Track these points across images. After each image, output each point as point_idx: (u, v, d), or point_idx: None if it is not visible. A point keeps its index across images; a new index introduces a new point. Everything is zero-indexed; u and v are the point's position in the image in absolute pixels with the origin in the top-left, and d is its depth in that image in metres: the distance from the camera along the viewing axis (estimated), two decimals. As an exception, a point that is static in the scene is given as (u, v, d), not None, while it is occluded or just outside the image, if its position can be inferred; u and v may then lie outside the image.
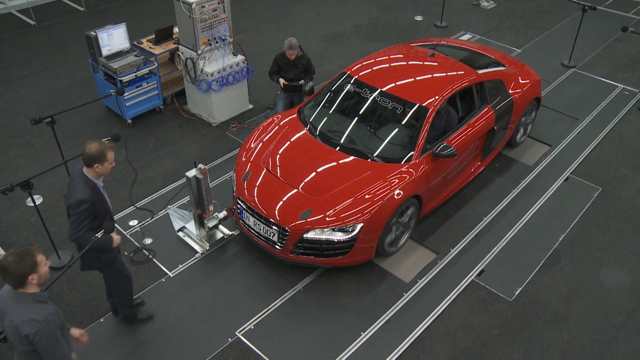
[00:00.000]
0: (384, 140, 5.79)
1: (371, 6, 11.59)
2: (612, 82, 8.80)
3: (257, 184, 5.59)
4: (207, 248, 5.74)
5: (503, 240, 5.92)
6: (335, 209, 5.22)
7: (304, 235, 5.20)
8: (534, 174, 6.86)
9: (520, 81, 6.95)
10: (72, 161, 5.27)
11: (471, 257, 5.72)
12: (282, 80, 7.15)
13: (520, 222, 6.16)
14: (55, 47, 9.76)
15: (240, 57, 7.61)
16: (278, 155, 5.81)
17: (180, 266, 5.57)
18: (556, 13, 11.30)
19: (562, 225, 6.12)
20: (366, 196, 5.26)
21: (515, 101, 6.72)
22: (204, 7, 6.94)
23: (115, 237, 4.30)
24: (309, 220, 5.19)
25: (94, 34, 7.15)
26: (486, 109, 6.39)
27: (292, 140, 5.99)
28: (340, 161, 5.65)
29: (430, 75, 6.30)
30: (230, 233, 5.92)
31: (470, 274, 5.53)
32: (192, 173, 5.37)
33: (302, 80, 7.12)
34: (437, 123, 6.03)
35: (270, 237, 5.38)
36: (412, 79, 6.21)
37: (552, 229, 6.08)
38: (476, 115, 6.30)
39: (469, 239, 5.93)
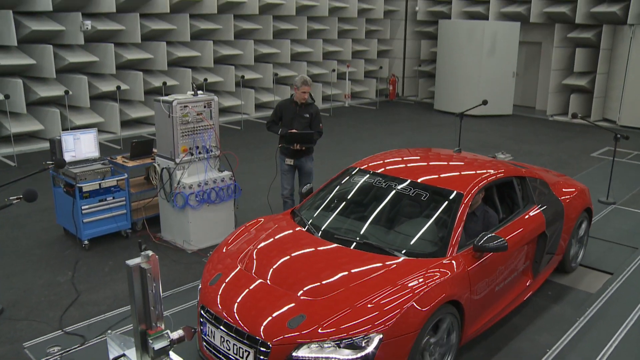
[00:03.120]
0: (410, 234, 4.38)
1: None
2: (663, 218, 7.53)
3: (227, 286, 4.01)
4: (150, 382, 3.90)
5: (583, 379, 4.08)
6: (341, 314, 3.57)
7: (294, 354, 3.46)
8: (602, 302, 5.19)
9: (565, 189, 5.70)
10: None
11: (541, 401, 3.84)
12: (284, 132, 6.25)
13: (600, 355, 4.36)
14: (29, 181, 8.77)
15: (227, 173, 6.50)
16: (262, 253, 4.32)
17: (105, 408, 3.69)
18: (577, 164, 10.52)
19: (663, 361, 4.31)
20: (386, 298, 3.66)
21: (566, 206, 5.38)
22: (186, 107, 6.05)
23: None
24: (302, 332, 3.50)
25: (58, 137, 6.17)
26: (533, 208, 5.04)
27: (283, 237, 4.56)
28: (352, 258, 4.15)
29: (459, 173, 5.08)
30: (188, 364, 4.11)
31: None
32: (134, 261, 3.81)
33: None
34: (472, 227, 4.61)
35: None
36: (438, 172, 5.00)
37: (650, 364, 4.26)
38: (521, 214, 4.93)
39: (532, 377, 4.10)
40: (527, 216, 4.92)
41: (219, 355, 3.81)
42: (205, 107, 6.23)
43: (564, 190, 5.69)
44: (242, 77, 13.21)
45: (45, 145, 11.02)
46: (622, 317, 4.95)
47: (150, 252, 3.90)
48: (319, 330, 3.49)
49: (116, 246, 6.30)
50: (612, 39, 13.81)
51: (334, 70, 15.50)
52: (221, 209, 6.50)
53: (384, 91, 18.10)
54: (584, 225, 5.86)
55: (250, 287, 3.94)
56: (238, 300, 3.85)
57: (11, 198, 4.05)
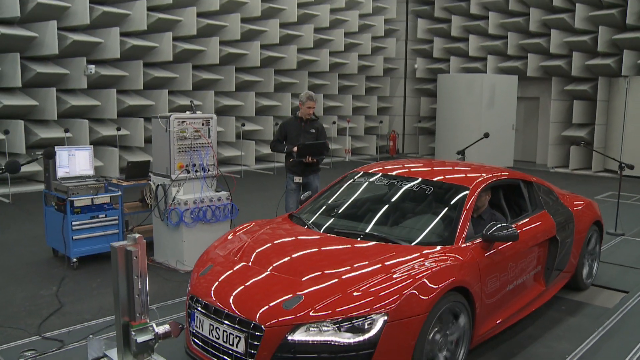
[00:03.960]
0: (416, 227, 4.20)
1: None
2: (676, 248, 7.25)
3: (222, 276, 3.75)
4: (132, 380, 3.54)
5: (608, 381, 3.72)
6: (343, 295, 3.30)
7: (289, 337, 3.16)
8: (621, 315, 4.86)
9: (574, 201, 5.50)
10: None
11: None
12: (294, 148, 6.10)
13: (630, 356, 4.02)
14: (21, 214, 8.58)
15: (224, 193, 6.32)
16: (259, 245, 4.09)
17: (79, 405, 3.34)
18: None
19: (694, 365, 3.95)
20: (392, 277, 3.41)
21: (576, 215, 5.16)
22: (184, 122, 5.96)
23: None
24: (298, 315, 3.21)
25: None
26: (542, 212, 4.83)
27: (282, 233, 4.37)
28: (357, 248, 3.94)
29: (464, 175, 4.91)
30: (174, 365, 3.77)
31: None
32: (120, 243, 3.57)
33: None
34: (479, 230, 4.37)
35: (234, 348, 3.30)
36: (443, 174, 4.83)
37: (680, 368, 3.90)
38: (531, 216, 4.72)
39: (552, 379, 3.75)
40: (536, 218, 4.71)
41: (207, 348, 3.49)
42: (203, 124, 6.15)
43: (573, 202, 5.49)
44: (243, 124, 13.28)
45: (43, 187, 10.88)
46: (645, 328, 4.62)
47: (137, 235, 3.67)
48: (317, 312, 3.20)
49: (107, 267, 5.99)
50: (608, 91, 14.00)
51: (334, 123, 15.60)
52: (216, 229, 6.24)
53: (385, 147, 18.17)
54: (595, 240, 5.60)
55: (244, 274, 3.68)
56: (230, 286, 3.58)
57: (-8, 169, 3.87)
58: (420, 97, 18.08)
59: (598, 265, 5.74)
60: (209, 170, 6.22)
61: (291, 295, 3.34)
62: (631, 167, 7.82)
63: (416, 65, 17.69)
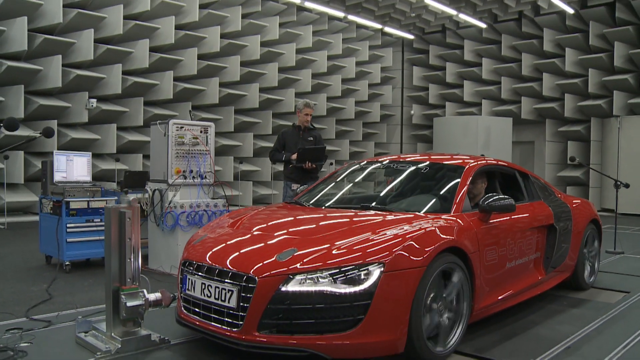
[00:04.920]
0: (415, 202, 4.24)
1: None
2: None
3: (217, 242, 3.70)
4: (119, 346, 3.42)
5: (613, 354, 3.59)
6: (337, 244, 3.27)
7: (282, 288, 3.09)
8: (624, 307, 4.75)
9: (571, 200, 5.49)
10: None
11: (568, 370, 3.35)
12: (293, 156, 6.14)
13: (634, 336, 3.90)
14: (15, 235, 8.53)
15: (220, 199, 6.31)
16: (256, 220, 4.09)
17: (63, 369, 3.21)
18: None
19: (701, 340, 3.83)
20: (389, 233, 3.39)
21: (573, 210, 5.14)
22: (182, 127, 6.03)
23: None
24: (291, 267, 3.14)
25: (51, 159, 6.08)
26: (539, 202, 4.84)
27: (280, 209, 4.48)
28: (356, 217, 3.95)
29: (462, 160, 4.93)
30: (163, 337, 3.64)
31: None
32: (113, 205, 3.55)
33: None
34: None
35: (225, 304, 3.21)
36: (441, 160, 4.85)
37: (687, 343, 3.78)
38: (528, 202, 4.74)
39: (555, 352, 3.61)
40: (533, 204, 4.71)
41: (199, 310, 3.39)
42: (201, 132, 6.22)
43: (570, 200, 5.47)
44: (241, 162, 13.37)
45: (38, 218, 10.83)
46: (649, 317, 4.50)
47: (131, 197, 3.67)
48: (308, 264, 3.14)
49: (99, 272, 5.87)
50: (601, 131, 14.24)
51: (331, 164, 15.68)
52: (213, 237, 6.19)
53: (382, 192, 18.17)
54: (593, 239, 5.54)
55: (239, 242, 3.63)
56: (224, 251, 3.52)
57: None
58: (416, 143, 18.30)
59: (599, 265, 5.66)
60: (205, 177, 6.23)
61: (286, 244, 3.34)
62: (627, 186, 7.86)
63: (412, 112, 18.02)
